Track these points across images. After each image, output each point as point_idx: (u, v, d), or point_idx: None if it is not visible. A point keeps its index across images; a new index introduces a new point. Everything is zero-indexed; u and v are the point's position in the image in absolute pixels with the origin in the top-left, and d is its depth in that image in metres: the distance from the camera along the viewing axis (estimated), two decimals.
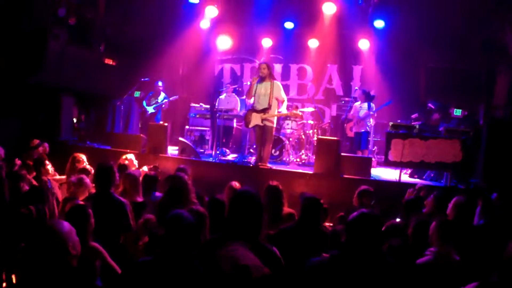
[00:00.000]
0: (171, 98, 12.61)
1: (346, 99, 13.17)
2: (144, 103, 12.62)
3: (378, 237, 3.29)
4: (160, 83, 12.72)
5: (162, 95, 12.64)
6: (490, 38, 10.59)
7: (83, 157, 7.44)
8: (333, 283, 3.13)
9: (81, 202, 5.46)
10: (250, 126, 9.44)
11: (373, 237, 3.22)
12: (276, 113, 9.45)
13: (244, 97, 10.80)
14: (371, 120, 11.38)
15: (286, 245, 4.29)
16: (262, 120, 9.27)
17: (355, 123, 11.67)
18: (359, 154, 11.26)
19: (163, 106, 12.61)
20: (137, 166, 8.02)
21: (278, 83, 9.52)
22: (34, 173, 6.94)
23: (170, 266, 3.11)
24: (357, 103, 11.68)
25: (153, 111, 12.50)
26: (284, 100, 9.51)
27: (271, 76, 9.42)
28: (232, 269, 2.55)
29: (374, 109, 11.34)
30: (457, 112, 10.80)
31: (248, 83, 9.94)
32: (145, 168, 7.84)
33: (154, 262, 3.18)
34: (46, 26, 10.68)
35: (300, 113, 10.48)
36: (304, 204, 4.94)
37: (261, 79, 9.34)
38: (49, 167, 7.37)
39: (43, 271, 2.91)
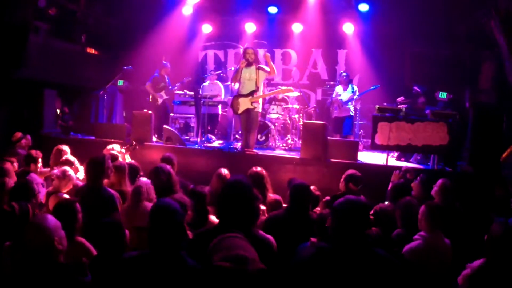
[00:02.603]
0: (184, 80, 12.18)
1: (331, 83, 13.14)
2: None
3: (365, 224, 3.21)
4: (167, 64, 12.12)
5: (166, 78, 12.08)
6: (475, 24, 10.58)
7: (67, 148, 7.32)
8: (321, 277, 3.06)
9: (66, 195, 5.39)
10: (240, 112, 9.35)
11: (360, 225, 3.13)
12: (266, 93, 9.40)
13: (229, 83, 10.72)
14: (353, 103, 11.34)
15: (276, 232, 4.24)
16: (252, 103, 9.21)
17: (336, 107, 11.56)
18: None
19: (175, 89, 12.17)
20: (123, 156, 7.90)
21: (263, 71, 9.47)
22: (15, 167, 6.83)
23: (157, 259, 3.00)
24: (339, 87, 11.63)
25: (166, 97, 11.94)
26: (273, 70, 9.47)
27: (256, 61, 9.37)
28: (228, 257, 2.44)
29: (357, 93, 11.27)
30: (443, 95, 10.81)
31: (232, 68, 9.89)
32: (117, 147, 7.72)
33: (140, 257, 3.07)
34: (27, 19, 10.49)
35: (291, 88, 10.40)
36: (293, 191, 4.89)
37: (248, 64, 9.29)
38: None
39: (30, 267, 2.84)
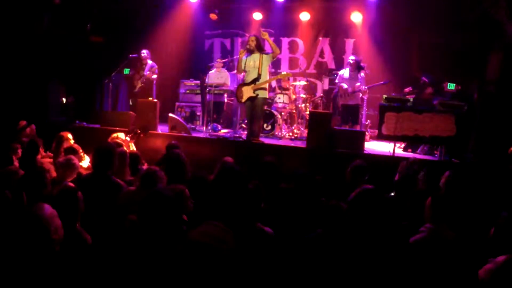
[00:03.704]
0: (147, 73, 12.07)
1: (338, 72, 13.01)
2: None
3: (380, 214, 3.19)
4: (144, 51, 12.12)
5: (150, 63, 12.15)
6: (484, 14, 10.44)
7: (69, 135, 7.28)
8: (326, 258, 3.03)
9: (70, 184, 5.35)
10: (243, 100, 9.32)
11: (376, 215, 3.11)
12: (266, 80, 9.33)
13: (235, 71, 10.67)
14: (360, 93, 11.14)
15: (280, 221, 4.23)
16: (254, 90, 9.15)
17: (341, 95, 11.26)
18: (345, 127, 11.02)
19: (152, 77, 12.10)
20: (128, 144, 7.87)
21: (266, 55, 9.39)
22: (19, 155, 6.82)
23: (145, 247, 2.96)
24: (345, 70, 11.38)
25: (141, 85, 12.05)
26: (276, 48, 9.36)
27: (260, 49, 9.28)
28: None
29: (365, 83, 11.01)
30: (451, 86, 10.70)
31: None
32: (122, 135, 7.67)
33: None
34: (30, 8, 10.45)
35: (290, 73, 10.33)
36: (297, 179, 4.85)
37: (250, 52, 9.23)
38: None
39: (24, 257, 2.81)
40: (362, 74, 11.11)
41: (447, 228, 4.41)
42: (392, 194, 5.81)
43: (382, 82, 11.09)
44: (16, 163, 6.26)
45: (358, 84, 10.95)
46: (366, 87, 11.02)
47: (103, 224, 4.43)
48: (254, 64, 9.20)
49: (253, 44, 9.22)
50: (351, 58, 11.35)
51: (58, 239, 2.94)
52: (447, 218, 4.41)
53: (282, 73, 10.19)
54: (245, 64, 9.28)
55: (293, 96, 11.44)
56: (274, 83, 11.61)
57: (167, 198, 3.05)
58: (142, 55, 12.07)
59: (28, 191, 4.59)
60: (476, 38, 11.00)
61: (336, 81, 11.39)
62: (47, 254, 2.85)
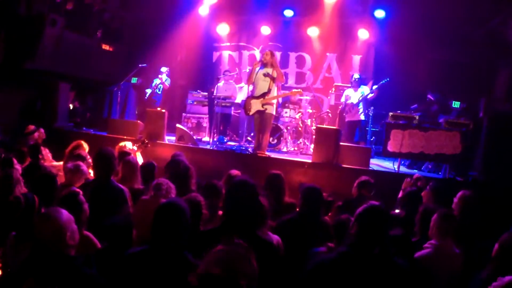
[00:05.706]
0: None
1: (345, 88, 13.06)
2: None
3: (387, 230, 3.22)
4: (162, 69, 12.64)
5: (164, 77, 12.59)
6: (492, 32, 10.51)
7: (85, 145, 7.30)
8: (340, 282, 3.05)
9: (77, 189, 5.38)
10: (251, 113, 9.36)
11: (383, 231, 3.14)
12: (275, 95, 9.39)
13: (242, 84, 10.73)
14: (362, 106, 11.18)
15: (288, 236, 4.24)
16: (263, 105, 9.21)
17: (347, 111, 11.37)
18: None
19: (161, 88, 12.42)
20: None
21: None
22: (28, 160, 6.86)
23: (158, 257, 2.97)
24: (349, 90, 11.50)
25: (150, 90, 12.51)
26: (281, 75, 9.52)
27: (273, 64, 9.36)
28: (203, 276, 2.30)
29: (367, 92, 11.10)
30: (456, 104, 10.76)
31: (248, 69, 9.91)
32: (129, 145, 7.70)
33: (142, 254, 3.04)
34: (44, 12, 10.57)
35: (300, 91, 10.40)
36: (304, 194, 4.87)
37: (263, 65, 9.29)
38: (49, 155, 7.29)
39: (38, 261, 2.83)
40: (365, 88, 11.18)
41: (452, 244, 4.43)
42: (397, 211, 5.84)
43: (382, 81, 11.00)
44: (19, 167, 6.27)
45: (360, 96, 11.00)
46: (370, 92, 11.01)
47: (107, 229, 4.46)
48: (264, 78, 9.24)
49: (267, 57, 9.29)
50: (355, 77, 11.48)
51: (73, 244, 2.99)
52: (452, 234, 4.43)
53: (292, 90, 10.25)
54: (255, 76, 9.34)
55: (299, 115, 11.48)
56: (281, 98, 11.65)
57: (183, 208, 3.08)
58: (162, 70, 12.55)
59: (39, 195, 4.63)
60: (483, 55, 11.05)
61: (342, 99, 11.47)
62: (62, 259, 2.89)
